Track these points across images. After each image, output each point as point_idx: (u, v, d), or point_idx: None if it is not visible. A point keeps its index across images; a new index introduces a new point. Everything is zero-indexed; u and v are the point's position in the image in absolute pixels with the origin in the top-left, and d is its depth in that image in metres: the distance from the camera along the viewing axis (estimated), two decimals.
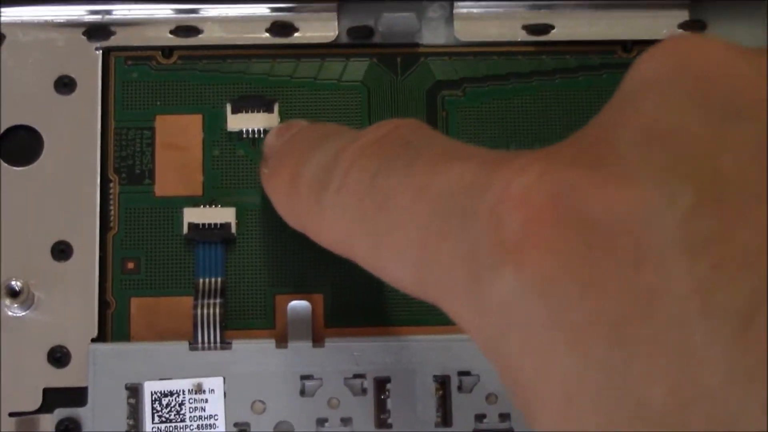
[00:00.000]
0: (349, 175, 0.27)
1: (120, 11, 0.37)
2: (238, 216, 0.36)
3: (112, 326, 0.36)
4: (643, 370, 0.19)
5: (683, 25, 0.38)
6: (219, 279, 0.36)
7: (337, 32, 0.38)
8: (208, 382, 0.34)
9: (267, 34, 0.38)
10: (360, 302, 0.36)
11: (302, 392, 0.34)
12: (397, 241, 0.25)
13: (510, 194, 0.21)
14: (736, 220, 0.18)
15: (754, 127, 0.20)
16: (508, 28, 0.38)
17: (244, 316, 0.36)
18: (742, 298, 0.18)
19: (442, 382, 0.34)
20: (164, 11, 0.38)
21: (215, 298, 0.35)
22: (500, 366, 0.22)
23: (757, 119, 0.20)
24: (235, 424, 0.34)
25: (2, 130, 0.36)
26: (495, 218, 0.21)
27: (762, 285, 0.18)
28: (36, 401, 0.35)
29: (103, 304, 0.36)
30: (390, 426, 0.34)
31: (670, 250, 0.19)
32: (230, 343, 0.34)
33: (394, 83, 0.38)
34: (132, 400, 0.34)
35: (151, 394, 0.34)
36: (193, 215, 0.36)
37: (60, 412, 0.34)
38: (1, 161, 0.36)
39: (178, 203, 0.36)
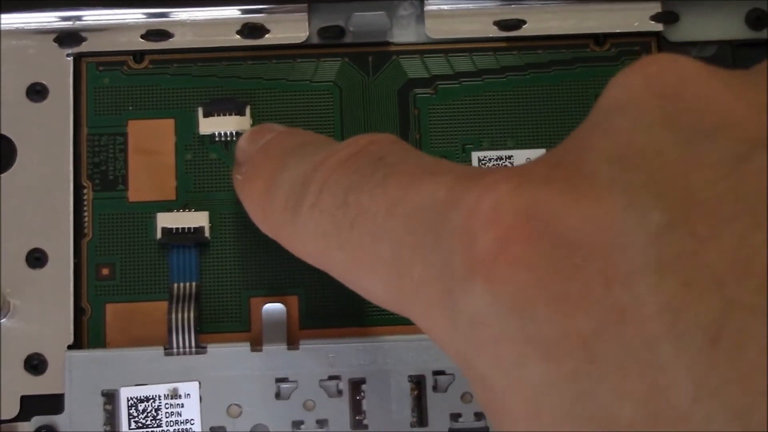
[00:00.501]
0: (323, 191, 0.28)
1: (91, 17, 0.37)
2: (211, 219, 0.36)
3: (88, 332, 0.36)
4: (612, 386, 0.19)
5: (655, 17, 0.38)
6: (193, 283, 0.36)
7: (308, 33, 0.38)
8: (183, 387, 0.34)
9: (238, 37, 0.38)
10: (335, 303, 0.36)
11: (278, 395, 0.34)
12: (370, 257, 0.25)
13: (482, 210, 0.21)
14: (705, 239, 0.18)
15: (725, 146, 0.20)
16: (479, 25, 0.38)
17: (219, 319, 0.36)
18: (709, 316, 0.18)
19: (417, 381, 0.34)
20: (135, 16, 0.38)
21: (190, 302, 0.35)
22: (472, 379, 0.22)
23: (728, 138, 0.20)
24: (212, 428, 0.34)
25: None
26: (467, 233, 0.22)
27: (729, 303, 0.18)
28: (14, 409, 0.35)
29: (78, 311, 0.36)
30: (366, 427, 0.34)
31: (639, 268, 0.19)
32: (205, 348, 0.34)
33: (366, 82, 0.38)
34: (108, 407, 0.34)
35: (128, 400, 0.34)
36: (166, 220, 0.36)
37: (37, 420, 0.35)
38: None
39: (151, 208, 0.36)
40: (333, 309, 0.36)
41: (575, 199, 0.20)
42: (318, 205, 0.28)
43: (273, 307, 0.36)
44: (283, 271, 0.36)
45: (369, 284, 0.26)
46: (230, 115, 0.37)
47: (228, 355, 0.34)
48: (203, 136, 0.37)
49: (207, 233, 0.36)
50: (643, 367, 0.18)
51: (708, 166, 0.19)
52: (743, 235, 0.18)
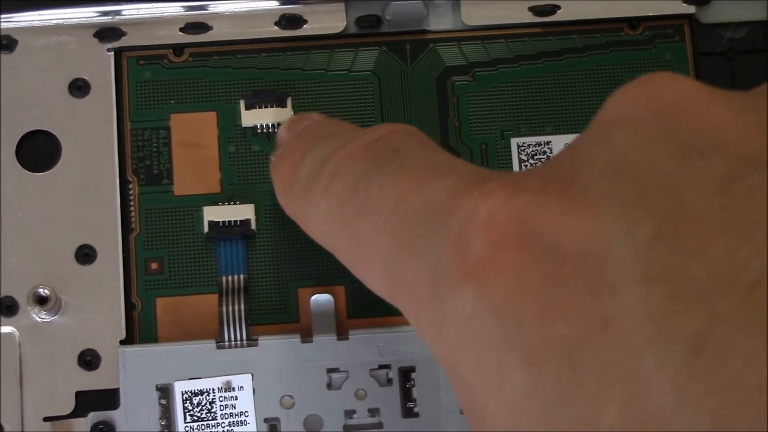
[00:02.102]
0: (335, 177, 0.28)
1: (129, 11, 0.38)
2: (256, 212, 0.37)
3: (139, 327, 0.36)
4: (594, 393, 0.19)
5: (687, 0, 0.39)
6: (242, 276, 0.36)
7: (345, 22, 0.38)
8: (236, 380, 0.35)
9: (276, 28, 0.38)
10: None
11: (329, 385, 0.35)
12: (371, 250, 0.26)
13: (476, 216, 0.22)
14: (693, 253, 0.19)
15: (718, 164, 0.20)
16: (515, 11, 0.39)
17: (268, 311, 0.37)
18: (693, 327, 0.18)
19: None
20: (173, 9, 0.38)
21: (239, 295, 0.36)
22: (456, 384, 0.23)
23: (721, 157, 0.20)
24: (266, 420, 0.35)
25: (20, 137, 0.37)
26: (460, 239, 0.22)
27: (714, 316, 0.18)
28: (69, 405, 0.35)
29: (129, 306, 0.36)
30: (416, 415, 0.35)
31: (626, 279, 0.19)
32: (256, 340, 0.35)
33: (404, 71, 0.38)
34: (163, 401, 0.34)
35: (182, 394, 0.34)
36: (212, 213, 0.36)
37: (94, 416, 0.35)
38: (20, 167, 0.37)
39: (197, 202, 0.37)
40: (379, 298, 0.37)
41: (567, 210, 0.21)
42: (330, 189, 0.28)
43: (321, 298, 0.36)
44: (330, 261, 0.36)
45: (369, 275, 0.27)
46: (271, 107, 0.37)
47: (279, 347, 0.35)
48: (245, 128, 0.37)
49: (253, 225, 0.37)
50: (626, 376, 0.19)
51: (700, 182, 0.20)
52: (730, 251, 0.18)
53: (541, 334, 0.20)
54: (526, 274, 0.21)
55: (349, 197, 0.27)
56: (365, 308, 0.37)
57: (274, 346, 0.35)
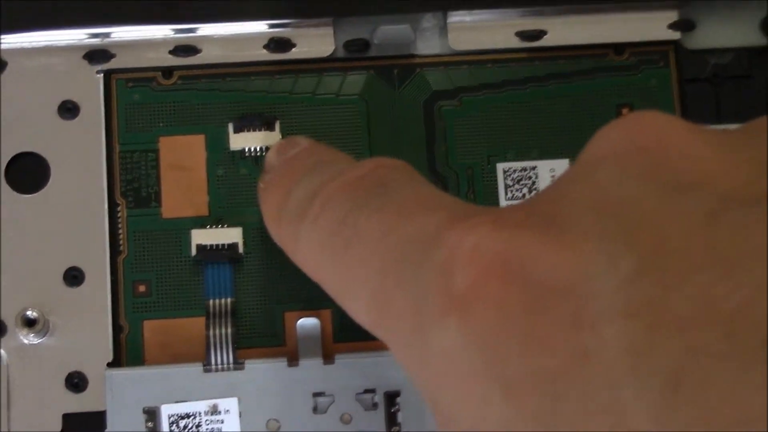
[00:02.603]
0: (324, 210, 0.29)
1: (119, 33, 0.38)
2: (244, 235, 0.37)
3: (127, 350, 0.36)
4: (574, 423, 0.20)
5: (672, 25, 0.39)
6: (228, 299, 0.37)
7: (333, 46, 0.38)
8: (223, 403, 0.35)
9: (265, 51, 0.38)
10: None
11: (315, 409, 0.35)
12: (358, 281, 0.27)
13: (461, 250, 0.22)
14: (673, 287, 0.19)
15: (700, 200, 0.20)
16: (502, 36, 0.39)
17: (255, 334, 0.37)
18: (672, 360, 0.18)
19: None
20: (162, 31, 0.38)
21: (226, 318, 0.36)
22: (438, 415, 0.23)
23: (704, 193, 0.21)
24: None
25: (9, 158, 0.37)
26: (445, 271, 0.23)
27: (692, 349, 0.18)
28: (56, 427, 0.35)
29: (116, 328, 0.36)
30: None
31: (607, 312, 0.20)
32: (243, 363, 0.35)
33: (392, 95, 0.39)
34: (150, 424, 0.35)
35: (169, 417, 0.35)
36: (200, 237, 0.37)
37: None
38: (9, 189, 0.37)
39: (185, 224, 0.37)
40: None
41: (550, 244, 0.21)
42: (318, 222, 0.29)
43: (307, 322, 0.36)
44: (316, 285, 0.37)
45: (354, 306, 0.28)
46: (260, 130, 0.38)
47: (265, 371, 0.35)
48: (233, 151, 0.38)
49: (241, 249, 0.37)
50: (605, 408, 0.19)
51: (683, 218, 0.20)
52: (710, 284, 0.19)
53: (523, 365, 0.21)
54: (509, 306, 0.21)
55: (338, 228, 0.28)
56: (352, 332, 0.37)
57: (261, 370, 0.35)
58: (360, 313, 0.27)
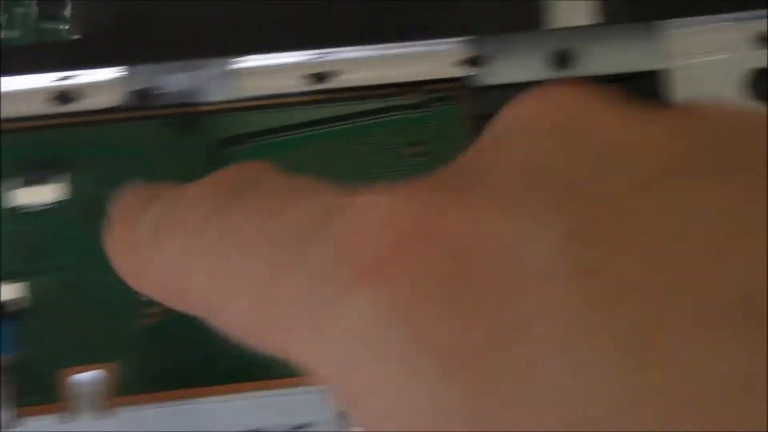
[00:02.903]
0: (187, 212, 0.26)
1: None
2: (29, 291, 0.37)
3: None
4: (513, 396, 0.18)
5: (461, 63, 0.39)
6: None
7: (120, 96, 0.38)
8: None
9: (52, 102, 0.38)
10: (151, 368, 0.37)
11: None
12: (237, 277, 0.24)
13: (371, 217, 0.20)
14: (615, 249, 0.18)
15: (630, 171, 0.20)
16: (291, 79, 0.39)
17: (33, 392, 0.37)
18: (625, 321, 0.17)
19: None
20: None
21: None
22: (348, 402, 0.21)
23: (633, 166, 0.20)
24: None
25: None
26: (351, 241, 0.21)
27: (643, 309, 0.18)
28: None
29: None
30: None
31: (552, 272, 0.19)
32: (19, 421, 0.35)
33: (179, 144, 0.39)
34: None
35: None
36: None
37: None
38: None
39: None
40: (153, 373, 0.37)
41: (474, 207, 0.20)
42: (181, 227, 0.26)
43: (85, 377, 0.36)
44: (98, 339, 0.37)
45: (234, 307, 0.24)
46: (47, 183, 0.38)
47: (42, 428, 0.35)
48: (21, 206, 0.38)
49: (19, 306, 0.37)
50: (548, 377, 0.18)
51: (613, 188, 0.19)
52: (656, 250, 0.18)
53: (450, 336, 0.19)
54: (430, 275, 0.19)
55: (208, 226, 0.25)
56: (135, 385, 0.37)
57: (37, 428, 0.35)
58: (241, 313, 0.24)
